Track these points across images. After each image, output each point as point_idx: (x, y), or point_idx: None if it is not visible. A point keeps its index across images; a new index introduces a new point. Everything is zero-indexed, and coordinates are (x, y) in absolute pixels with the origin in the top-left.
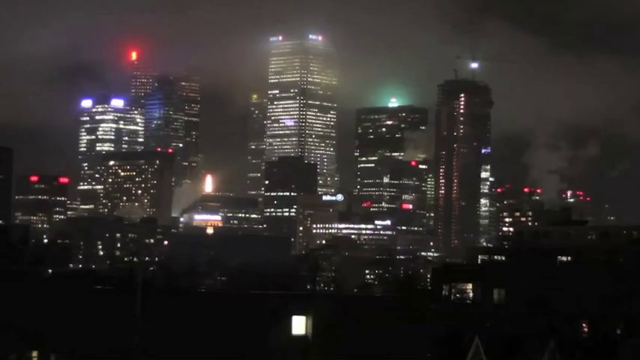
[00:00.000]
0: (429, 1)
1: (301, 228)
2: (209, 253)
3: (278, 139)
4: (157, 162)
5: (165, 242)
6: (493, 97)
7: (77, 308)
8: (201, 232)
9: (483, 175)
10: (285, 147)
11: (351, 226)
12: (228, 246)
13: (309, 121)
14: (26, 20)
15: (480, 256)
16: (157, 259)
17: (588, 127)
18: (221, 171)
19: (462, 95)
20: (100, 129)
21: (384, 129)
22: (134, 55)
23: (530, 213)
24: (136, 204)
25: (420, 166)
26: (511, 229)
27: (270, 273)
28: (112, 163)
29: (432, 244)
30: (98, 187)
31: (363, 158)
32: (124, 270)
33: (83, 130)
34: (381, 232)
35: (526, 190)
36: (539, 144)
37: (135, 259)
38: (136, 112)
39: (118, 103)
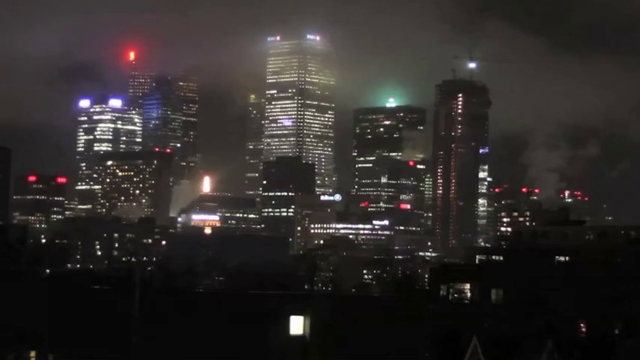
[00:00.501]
0: (428, 1)
1: (299, 228)
2: (207, 253)
3: (276, 139)
4: (155, 162)
5: (163, 242)
6: (491, 97)
7: (75, 308)
8: (199, 232)
9: (481, 175)
10: (283, 147)
11: (349, 226)
12: (226, 246)
13: (307, 121)
14: (25, 20)
15: (477, 256)
16: (154, 259)
17: (588, 127)
18: (219, 171)
19: (460, 95)
20: (98, 129)
21: (381, 129)
22: (132, 55)
23: (527, 213)
24: (134, 204)
25: (418, 166)
26: (509, 229)
27: (268, 273)
28: (109, 163)
29: (429, 244)
30: (96, 187)
31: (361, 158)
32: (121, 270)
33: (81, 130)
34: (379, 232)
35: (524, 190)
36: (537, 144)
37: (133, 259)
38: (133, 112)
39: (115, 103)
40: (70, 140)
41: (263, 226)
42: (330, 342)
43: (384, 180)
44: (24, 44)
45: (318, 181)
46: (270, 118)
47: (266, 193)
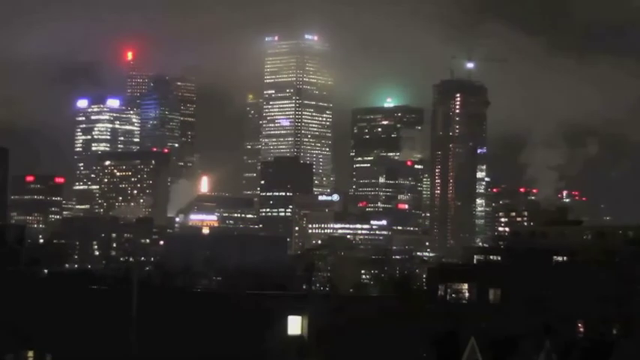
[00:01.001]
0: (426, 1)
1: (297, 228)
2: (205, 253)
3: (274, 139)
4: (153, 162)
5: (161, 242)
6: (489, 97)
7: (73, 308)
8: (196, 232)
9: (479, 175)
10: (281, 147)
11: (347, 226)
12: (224, 246)
13: (305, 121)
14: (22, 20)
15: (475, 256)
16: (152, 259)
17: (586, 127)
18: (217, 171)
19: (458, 95)
20: (96, 129)
21: (379, 129)
22: (130, 55)
23: (525, 213)
24: (132, 204)
25: (416, 166)
26: (507, 229)
27: (266, 273)
28: (107, 163)
29: (427, 244)
30: (94, 187)
31: (359, 158)
32: (119, 270)
33: (79, 130)
34: (377, 232)
35: (522, 190)
36: (535, 144)
37: (131, 259)
38: (131, 112)
39: (113, 103)
40: (67, 140)
41: (261, 226)
42: (327, 342)
43: (381, 180)
44: (22, 44)
45: (316, 181)
46: (268, 118)
47: (264, 193)
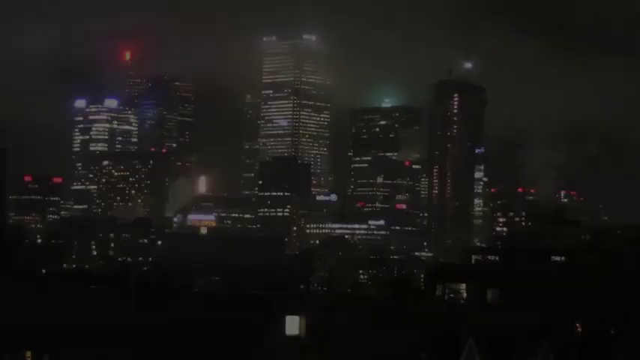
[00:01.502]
0: (425, 1)
1: (295, 228)
2: (203, 253)
3: (272, 139)
4: (151, 162)
5: (159, 242)
6: (488, 97)
7: (71, 308)
8: (195, 232)
9: (477, 175)
10: (279, 147)
11: (345, 226)
12: (223, 246)
13: (303, 121)
14: (20, 20)
15: (473, 256)
16: (150, 259)
17: (585, 127)
18: (215, 171)
19: (456, 95)
20: (94, 129)
21: (377, 129)
22: (128, 55)
23: (523, 213)
24: (130, 204)
25: (414, 166)
26: (505, 229)
27: (265, 273)
28: (105, 163)
29: (425, 244)
30: (92, 187)
31: (357, 158)
32: (117, 270)
33: (77, 130)
34: (375, 232)
35: (520, 190)
36: (534, 144)
37: (129, 260)
38: (129, 112)
39: (111, 103)
40: (65, 140)
41: (259, 226)
42: (325, 342)
43: (379, 180)
44: (20, 44)
45: (314, 181)
46: (266, 118)
47: (262, 193)
